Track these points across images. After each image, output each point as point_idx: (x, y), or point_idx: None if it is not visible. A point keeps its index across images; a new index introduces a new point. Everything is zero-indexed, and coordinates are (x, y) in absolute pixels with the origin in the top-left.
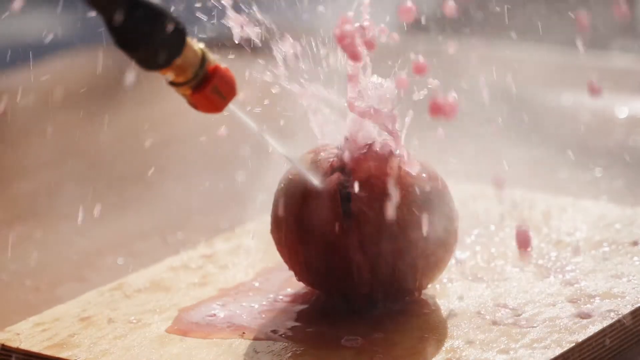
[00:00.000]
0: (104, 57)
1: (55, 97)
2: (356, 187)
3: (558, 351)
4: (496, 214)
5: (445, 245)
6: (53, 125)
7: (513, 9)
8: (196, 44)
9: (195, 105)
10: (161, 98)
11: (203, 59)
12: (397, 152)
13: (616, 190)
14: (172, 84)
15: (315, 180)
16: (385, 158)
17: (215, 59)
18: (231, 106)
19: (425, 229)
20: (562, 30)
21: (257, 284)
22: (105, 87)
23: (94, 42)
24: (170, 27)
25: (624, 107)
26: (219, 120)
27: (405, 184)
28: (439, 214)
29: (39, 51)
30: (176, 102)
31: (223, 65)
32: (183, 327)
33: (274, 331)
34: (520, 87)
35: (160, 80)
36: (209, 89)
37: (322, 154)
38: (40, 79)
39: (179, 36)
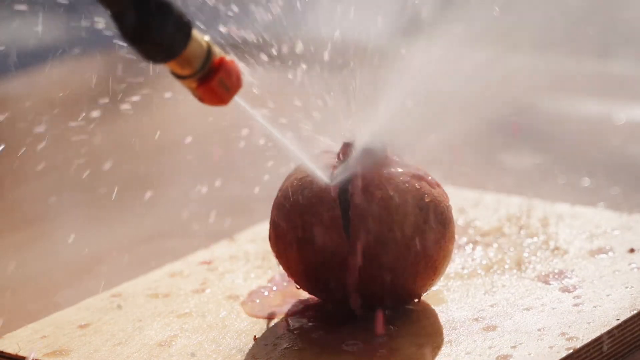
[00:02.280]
0: (103, 63)
1: (54, 103)
2: (355, 195)
3: (556, 357)
4: (495, 220)
5: (443, 251)
6: (51, 131)
7: (514, 16)
8: (202, 37)
9: (201, 98)
10: (160, 104)
11: (209, 52)
12: (396, 159)
13: (613, 197)
14: (178, 76)
15: (323, 176)
16: (383, 165)
17: (220, 51)
18: (237, 99)
19: (423, 235)
20: (561, 37)
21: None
22: (104, 93)
23: (94, 48)
24: (175, 20)
25: (621, 114)
26: (220, 126)
27: (403, 191)
28: (437, 220)
29: (39, 57)
30: (175, 109)
31: (228, 57)
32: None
33: (278, 337)
34: (519, 94)
35: (159, 86)
36: (214, 82)
37: (322, 160)
38: (39, 84)
39: (185, 29)
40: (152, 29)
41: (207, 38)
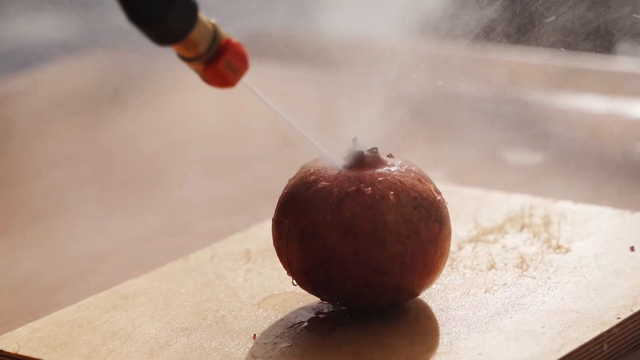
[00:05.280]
0: (109, 60)
1: (61, 100)
2: (352, 196)
3: (556, 356)
4: (497, 218)
5: (440, 249)
6: (57, 129)
7: (517, 11)
8: (208, 19)
9: (208, 80)
10: (165, 101)
11: (215, 34)
12: (386, 157)
13: (616, 195)
14: (185, 59)
15: (334, 159)
16: (379, 165)
17: (226, 33)
18: (244, 80)
19: (418, 234)
20: (566, 33)
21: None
22: (110, 91)
23: (100, 45)
24: (181, 2)
25: (626, 111)
26: (224, 124)
27: (396, 190)
28: (432, 217)
29: (45, 55)
30: (180, 106)
31: (234, 39)
32: None
33: (277, 336)
34: (523, 91)
35: (163, 83)
36: (221, 64)
37: (322, 163)
38: (46, 82)
39: (191, 11)
40: (158, 11)
41: (213, 20)
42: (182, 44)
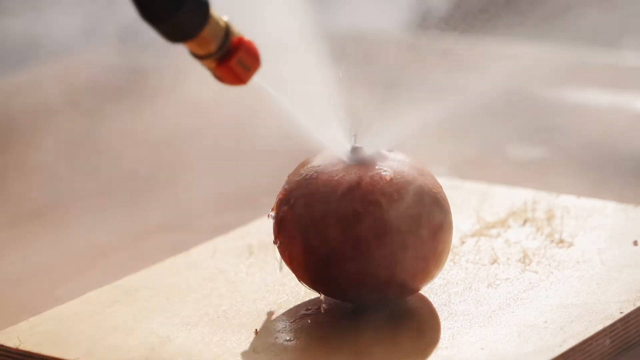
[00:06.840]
0: (110, 56)
1: (65, 95)
2: (353, 191)
3: (559, 351)
4: (500, 212)
5: (441, 243)
6: (58, 124)
7: (525, 6)
8: (220, 17)
9: (220, 78)
10: (168, 97)
11: (227, 32)
12: (387, 153)
13: (619, 189)
14: (197, 56)
15: (340, 153)
16: (379, 161)
17: (238, 31)
18: (255, 78)
19: (420, 229)
20: (573, 28)
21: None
22: (111, 86)
23: (101, 41)
24: (194, 0)
25: (631, 106)
26: (226, 119)
27: (397, 185)
28: (434, 212)
29: (51, 49)
30: (182, 102)
31: (247, 37)
32: None
33: (279, 330)
34: (528, 85)
35: (165, 79)
36: (234, 61)
37: (322, 158)
38: (52, 76)
39: (204, 8)
40: (171, 8)
41: (225, 18)
42: (194, 42)
